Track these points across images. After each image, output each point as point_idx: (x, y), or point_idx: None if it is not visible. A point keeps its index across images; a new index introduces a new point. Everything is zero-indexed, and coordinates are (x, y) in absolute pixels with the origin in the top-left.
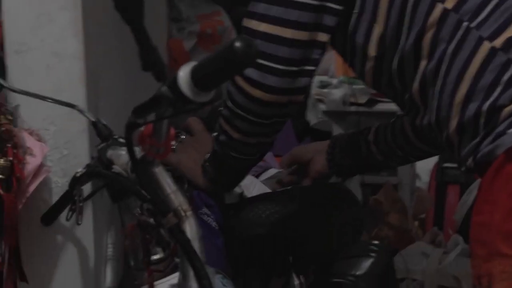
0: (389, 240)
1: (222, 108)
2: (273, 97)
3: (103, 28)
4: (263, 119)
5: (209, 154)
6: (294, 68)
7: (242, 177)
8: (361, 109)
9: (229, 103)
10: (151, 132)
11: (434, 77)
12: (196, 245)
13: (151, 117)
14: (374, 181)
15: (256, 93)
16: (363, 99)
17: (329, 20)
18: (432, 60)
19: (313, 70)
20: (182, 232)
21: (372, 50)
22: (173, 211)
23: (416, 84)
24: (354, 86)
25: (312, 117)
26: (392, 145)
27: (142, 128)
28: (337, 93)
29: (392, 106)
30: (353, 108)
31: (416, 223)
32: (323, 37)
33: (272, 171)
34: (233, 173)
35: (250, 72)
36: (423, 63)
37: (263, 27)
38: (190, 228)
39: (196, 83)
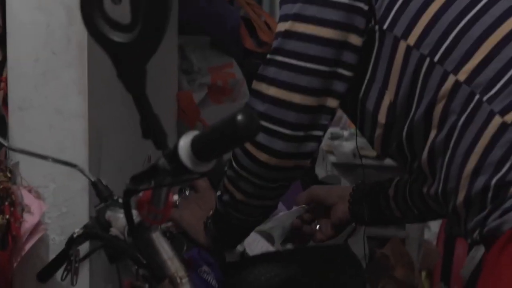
0: None
1: (226, 168)
2: (279, 161)
3: (108, 86)
4: (268, 183)
5: (212, 212)
6: (301, 133)
7: (244, 237)
8: (371, 162)
9: (234, 164)
10: (150, 199)
11: (443, 148)
12: None
13: (150, 184)
14: (381, 234)
15: (262, 156)
16: (373, 152)
17: (340, 86)
18: (442, 131)
19: (321, 136)
20: None
21: (382, 118)
22: (168, 277)
23: (425, 154)
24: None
25: (321, 171)
26: (410, 203)
27: (141, 194)
28: (347, 146)
29: None
30: (363, 161)
31: (424, 274)
32: (332, 102)
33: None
34: (235, 233)
35: (258, 136)
36: (433, 134)
37: (272, 91)
38: None
39: (196, 154)
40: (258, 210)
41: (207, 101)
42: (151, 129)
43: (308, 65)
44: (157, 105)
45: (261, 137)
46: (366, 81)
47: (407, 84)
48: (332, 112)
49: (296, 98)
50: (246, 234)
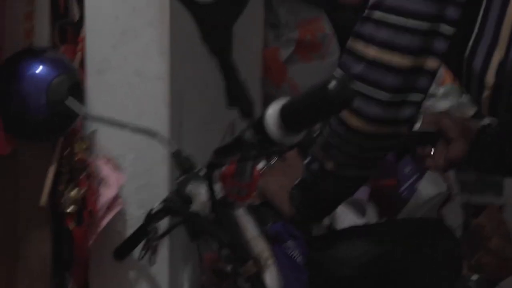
0: (490, 268)
1: (318, 134)
2: (374, 128)
3: (190, 47)
4: (361, 152)
5: (298, 181)
6: (400, 98)
7: (331, 210)
8: None
9: (326, 130)
10: (234, 173)
11: None
12: None
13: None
14: (477, 202)
15: (356, 122)
16: (471, 112)
17: (441, 45)
18: None
19: (420, 101)
20: (262, 283)
21: (490, 79)
22: (253, 259)
23: None
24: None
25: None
26: None
27: (224, 168)
28: (442, 106)
29: None
30: None
31: None
32: (433, 63)
33: None
34: (322, 205)
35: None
36: None
37: (369, 51)
38: (271, 279)
39: (285, 123)
40: (348, 182)
41: (295, 58)
42: (237, 97)
43: (410, 21)
44: (241, 62)
45: (355, 101)
46: (473, 38)
47: None
48: (432, 74)
49: (395, 59)
50: (334, 207)
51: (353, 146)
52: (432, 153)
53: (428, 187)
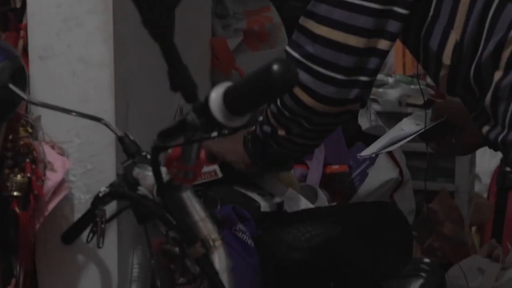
0: (442, 252)
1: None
2: (326, 107)
3: (134, 33)
4: (312, 126)
5: (250, 135)
6: (352, 78)
7: (282, 162)
8: (418, 110)
9: (278, 103)
10: (179, 156)
11: (509, 93)
12: (225, 278)
13: (179, 140)
14: (428, 188)
15: (308, 101)
16: (420, 100)
17: (394, 27)
18: (509, 75)
19: (371, 81)
20: (210, 264)
21: (447, 59)
22: (200, 240)
23: (489, 95)
24: (412, 86)
25: (364, 121)
26: None
27: (170, 151)
28: (393, 93)
29: None
30: (409, 110)
31: (474, 229)
32: (384, 44)
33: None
34: (273, 157)
35: (305, 78)
36: (497, 75)
37: (323, 30)
38: (219, 260)
39: (228, 107)
40: (298, 147)
41: (243, 47)
42: (180, 80)
43: (364, 3)
44: (189, 52)
45: (309, 81)
46: (428, 19)
47: (475, 22)
48: (383, 55)
49: (350, 39)
50: (285, 160)
51: (304, 120)
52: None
53: (380, 172)
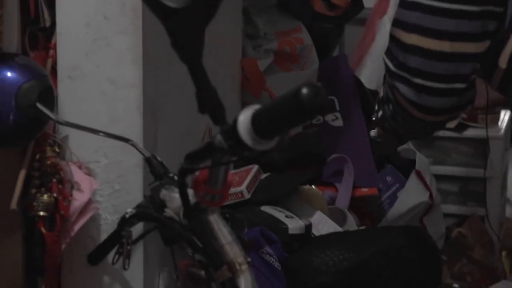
0: (472, 277)
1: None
2: (433, 118)
3: (164, 54)
4: (422, 129)
5: None
6: (459, 86)
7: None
8: (450, 134)
9: (389, 107)
10: (207, 179)
11: None
12: None
13: (207, 162)
14: (459, 212)
15: (416, 113)
16: (453, 123)
17: (492, 26)
18: None
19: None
20: None
21: (503, 63)
22: (227, 264)
23: None
24: None
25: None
26: None
27: (197, 173)
28: None
29: (483, 132)
30: (440, 133)
31: (504, 254)
32: (486, 45)
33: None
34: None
35: (406, 91)
36: None
37: (415, 39)
38: (245, 284)
39: (256, 130)
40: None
41: (274, 68)
42: (208, 103)
43: (454, 6)
44: (220, 73)
45: (410, 94)
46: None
47: None
48: (480, 58)
49: (445, 46)
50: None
51: (415, 126)
52: None
53: (410, 196)
